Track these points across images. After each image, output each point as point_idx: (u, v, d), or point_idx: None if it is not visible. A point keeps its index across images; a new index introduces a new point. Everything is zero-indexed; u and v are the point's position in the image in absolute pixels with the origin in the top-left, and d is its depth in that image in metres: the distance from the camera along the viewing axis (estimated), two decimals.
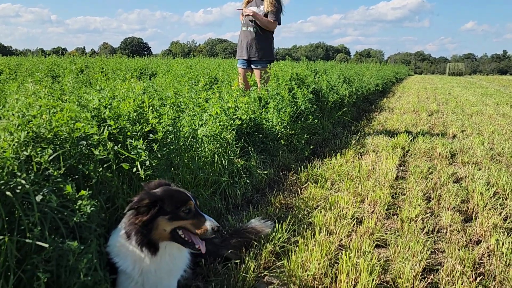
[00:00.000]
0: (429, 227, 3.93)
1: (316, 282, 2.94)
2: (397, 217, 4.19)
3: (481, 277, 3.08)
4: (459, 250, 3.44)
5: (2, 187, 2.26)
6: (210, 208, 4.00)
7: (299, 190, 4.86)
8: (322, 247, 3.27)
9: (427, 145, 7.21)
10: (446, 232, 3.88)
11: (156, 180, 2.80)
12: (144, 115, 3.53)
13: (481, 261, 3.38)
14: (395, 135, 8.13)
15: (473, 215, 4.26)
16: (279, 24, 7.37)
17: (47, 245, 2.20)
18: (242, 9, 7.42)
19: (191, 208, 2.51)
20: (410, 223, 3.96)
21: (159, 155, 3.41)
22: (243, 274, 2.99)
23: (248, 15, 7.23)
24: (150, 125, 3.43)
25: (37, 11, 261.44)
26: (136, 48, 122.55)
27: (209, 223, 2.48)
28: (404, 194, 4.84)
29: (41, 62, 11.48)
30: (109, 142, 3.01)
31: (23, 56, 22.54)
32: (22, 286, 2.26)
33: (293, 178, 5.31)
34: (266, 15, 7.22)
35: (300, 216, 4.03)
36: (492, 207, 4.38)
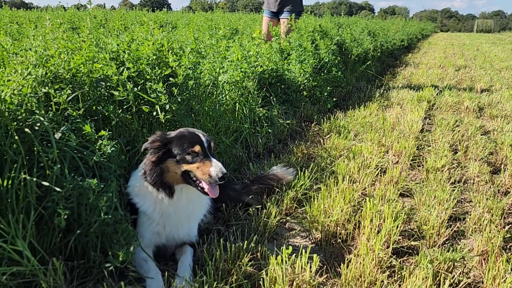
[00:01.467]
0: (456, 177, 3.83)
1: (339, 228, 2.89)
2: (422, 167, 4.09)
3: (510, 225, 2.98)
4: (487, 199, 3.34)
5: (21, 123, 2.22)
6: (231, 156, 3.95)
7: (321, 141, 4.77)
8: (345, 195, 3.20)
9: (454, 99, 6.99)
10: (473, 183, 3.78)
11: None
12: (164, 59, 3.44)
13: (510, 211, 3.28)
14: (421, 89, 7.91)
15: (502, 166, 4.13)
16: None
17: (65, 184, 2.16)
18: None
19: (198, 152, 2.43)
20: (436, 173, 3.86)
21: (179, 100, 3.34)
22: (265, 219, 2.95)
23: None
24: (170, 68, 3.35)
25: None
26: (156, 4, 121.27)
27: (214, 170, 2.37)
28: (430, 146, 4.71)
29: (61, 15, 11.37)
30: (129, 83, 2.94)
31: (44, 11, 22.46)
32: (44, 223, 2.26)
33: (315, 129, 5.21)
34: None
35: (322, 165, 3.96)
36: None
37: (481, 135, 5.06)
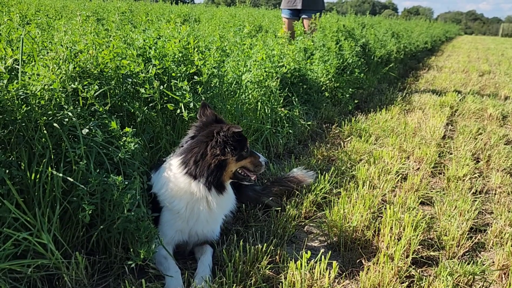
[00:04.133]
0: (477, 187, 3.79)
1: (357, 234, 2.88)
2: (444, 175, 4.05)
3: None
4: (508, 212, 3.30)
5: (50, 118, 2.26)
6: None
7: (342, 143, 4.75)
8: (365, 200, 3.19)
9: (477, 106, 6.90)
10: (495, 194, 3.73)
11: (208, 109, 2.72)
12: (189, 56, 3.46)
13: None
14: (443, 94, 7.83)
15: None
16: None
17: (92, 180, 2.19)
18: None
19: (248, 148, 2.62)
20: (457, 182, 3.82)
21: (203, 98, 3.35)
22: (284, 221, 2.96)
23: None
24: (195, 66, 3.36)
25: None
26: None
27: (263, 159, 2.69)
28: (452, 153, 4.67)
29: (86, 4, 11.48)
30: (156, 81, 2.96)
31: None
32: (68, 217, 2.30)
33: (336, 131, 5.20)
34: None
35: (343, 168, 3.94)
36: None
37: (504, 144, 4.99)
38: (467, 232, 2.96)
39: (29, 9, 6.32)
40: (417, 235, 2.77)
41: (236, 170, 2.59)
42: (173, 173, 2.51)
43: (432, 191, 3.68)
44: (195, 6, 20.52)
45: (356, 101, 6.49)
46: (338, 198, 3.29)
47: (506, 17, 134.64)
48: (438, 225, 3.09)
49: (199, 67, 3.35)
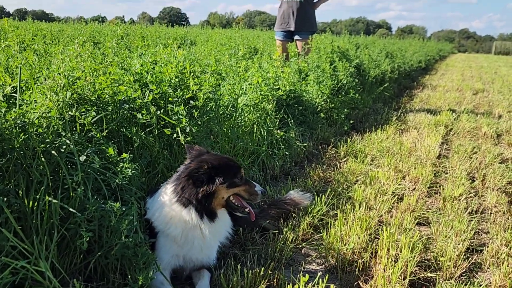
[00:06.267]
0: (473, 207, 3.81)
1: (355, 256, 2.89)
2: (440, 195, 4.07)
3: None
4: (504, 231, 3.32)
5: (48, 146, 2.28)
6: (249, 178, 3.97)
7: (338, 164, 4.78)
8: (362, 222, 3.21)
9: (472, 124, 6.96)
10: (491, 213, 3.75)
11: (196, 146, 2.77)
12: (186, 81, 3.50)
13: None
14: (438, 113, 7.89)
15: None
16: None
17: (91, 207, 2.21)
18: None
19: (243, 176, 2.60)
20: (453, 202, 3.84)
21: (199, 122, 3.39)
22: (281, 244, 2.97)
23: None
24: (191, 91, 3.40)
25: None
26: (174, 18, 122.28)
27: (259, 188, 2.62)
28: (447, 173, 4.70)
29: (83, 29, 11.58)
30: (153, 107, 3.00)
31: (65, 23, 22.87)
32: (65, 244, 2.30)
33: (332, 152, 5.22)
34: None
35: (339, 190, 3.96)
36: None
37: (499, 163, 5.03)
38: (463, 253, 2.97)
39: (26, 35, 6.38)
40: (414, 257, 2.78)
41: (229, 198, 2.58)
42: (167, 200, 2.52)
43: (428, 212, 3.70)
44: (191, 28, 20.71)
45: (351, 122, 6.54)
46: (335, 220, 3.31)
47: (499, 34, 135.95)
48: (435, 245, 3.11)
49: (195, 92, 3.38)
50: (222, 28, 20.38)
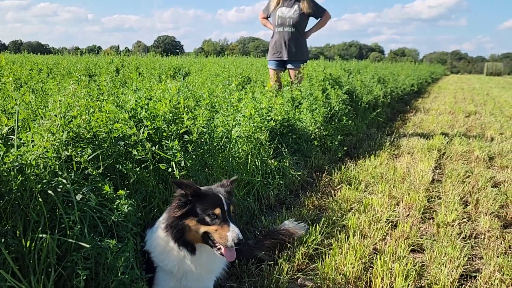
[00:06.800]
0: (466, 232, 3.85)
1: (350, 286, 2.92)
2: (433, 221, 4.12)
3: None
4: (497, 257, 3.36)
5: (45, 186, 2.33)
6: (244, 209, 4.02)
7: (332, 192, 4.83)
8: (357, 251, 3.24)
9: (464, 148, 7.05)
10: (484, 238, 3.80)
11: (185, 181, 2.79)
12: (180, 115, 3.57)
13: None
14: (431, 137, 7.98)
15: None
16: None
17: (88, 245, 2.25)
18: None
19: (218, 215, 2.47)
20: (446, 228, 3.88)
21: (194, 156, 3.44)
22: (277, 275, 3.00)
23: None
24: (185, 127, 3.47)
25: (74, 10, 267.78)
26: (169, 46, 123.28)
27: (231, 235, 2.42)
28: (440, 198, 4.75)
29: (78, 62, 11.73)
30: (148, 143, 3.06)
31: (60, 54, 23.10)
32: (62, 282, 2.33)
33: (326, 180, 5.28)
34: (305, 15, 7.30)
35: (333, 218, 4.00)
36: None
37: (491, 187, 5.09)
38: (457, 280, 3.01)
39: (22, 70, 6.47)
40: (408, 285, 2.82)
41: (207, 235, 2.50)
42: (160, 233, 2.58)
43: (422, 238, 3.74)
44: (185, 57, 20.96)
45: (345, 148, 6.60)
46: (330, 249, 3.34)
47: (490, 55, 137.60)
48: (429, 273, 3.14)
49: (188, 127, 3.45)
50: (216, 56, 20.66)
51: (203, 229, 2.48)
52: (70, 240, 2.27)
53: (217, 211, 2.47)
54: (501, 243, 3.69)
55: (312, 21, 7.64)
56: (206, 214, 2.47)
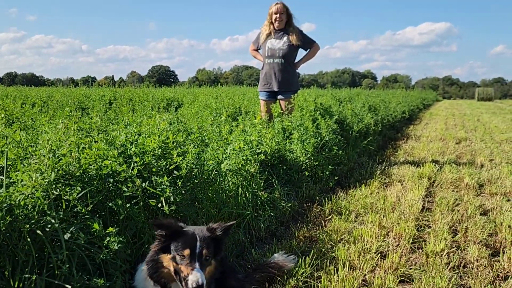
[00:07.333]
0: (455, 262, 3.88)
1: None
2: (422, 251, 4.15)
3: None
4: (485, 287, 3.38)
5: (33, 225, 2.36)
6: (234, 242, 4.04)
7: (323, 223, 4.86)
8: (346, 283, 3.27)
9: (454, 175, 7.12)
10: (473, 267, 3.82)
11: (166, 220, 2.81)
12: (169, 151, 3.62)
13: None
14: (422, 165, 8.06)
15: (501, 249, 4.19)
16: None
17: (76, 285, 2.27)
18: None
19: (187, 256, 2.53)
20: (435, 257, 3.91)
21: (183, 191, 3.48)
22: None
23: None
24: (174, 162, 3.52)
25: (69, 41, 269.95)
26: (163, 76, 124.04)
27: (191, 278, 2.44)
28: (430, 227, 4.79)
29: (71, 94, 11.84)
30: (137, 179, 3.10)
31: (54, 86, 23.26)
32: None
33: (317, 210, 5.31)
34: (294, 47, 7.47)
35: (323, 250, 4.03)
36: None
37: (480, 214, 5.14)
38: None
39: (15, 105, 6.55)
40: None
41: (176, 272, 2.55)
42: (144, 267, 2.64)
43: (411, 269, 3.76)
44: (178, 88, 21.14)
45: (336, 178, 6.66)
46: (319, 282, 3.36)
47: (481, 80, 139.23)
48: None
49: (178, 163, 3.50)
50: (211, 84, 20.88)
51: (173, 267, 2.55)
52: (57, 282, 2.28)
53: (186, 252, 2.53)
54: (489, 272, 3.71)
55: (302, 52, 7.83)
56: (177, 253, 2.55)
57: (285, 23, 7.58)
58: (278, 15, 7.49)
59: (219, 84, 18.88)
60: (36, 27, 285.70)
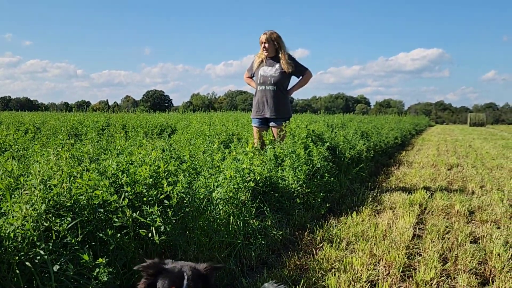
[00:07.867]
0: None
1: None
2: (412, 279, 4.16)
3: None
4: None
5: (22, 257, 2.37)
6: (225, 271, 4.04)
7: (314, 251, 4.87)
8: None
9: (445, 202, 7.17)
10: None
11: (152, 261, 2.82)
12: (160, 180, 3.65)
13: None
14: (413, 191, 8.11)
15: (490, 278, 4.21)
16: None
17: None
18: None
19: None
20: (425, 286, 3.93)
21: (174, 220, 3.50)
22: None
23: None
24: (165, 192, 3.54)
25: (64, 66, 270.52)
26: (157, 100, 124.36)
27: None
28: (421, 255, 4.81)
29: (65, 120, 11.88)
30: (128, 209, 3.12)
31: (48, 111, 23.31)
32: None
33: (308, 238, 5.32)
34: (286, 74, 7.59)
35: (314, 279, 4.03)
36: (510, 269, 4.32)
37: (470, 242, 5.17)
38: None
39: (8, 132, 6.57)
40: None
41: None
42: None
43: None
44: (172, 114, 21.24)
45: (328, 205, 6.68)
46: None
47: (473, 106, 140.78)
48: None
49: (168, 192, 3.53)
50: (205, 109, 21.00)
51: None
52: None
53: None
54: None
55: (294, 79, 7.94)
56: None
57: (275, 50, 7.70)
58: (265, 45, 7.64)
59: (212, 109, 19.03)
60: (32, 51, 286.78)
